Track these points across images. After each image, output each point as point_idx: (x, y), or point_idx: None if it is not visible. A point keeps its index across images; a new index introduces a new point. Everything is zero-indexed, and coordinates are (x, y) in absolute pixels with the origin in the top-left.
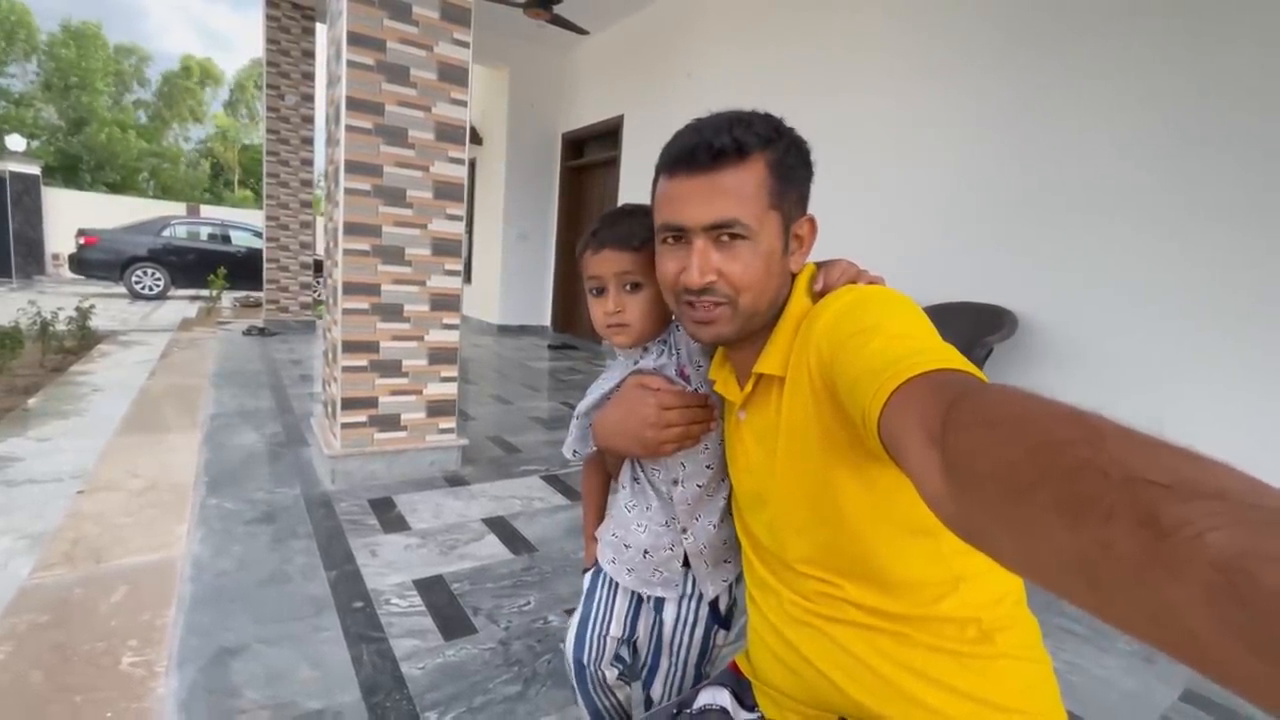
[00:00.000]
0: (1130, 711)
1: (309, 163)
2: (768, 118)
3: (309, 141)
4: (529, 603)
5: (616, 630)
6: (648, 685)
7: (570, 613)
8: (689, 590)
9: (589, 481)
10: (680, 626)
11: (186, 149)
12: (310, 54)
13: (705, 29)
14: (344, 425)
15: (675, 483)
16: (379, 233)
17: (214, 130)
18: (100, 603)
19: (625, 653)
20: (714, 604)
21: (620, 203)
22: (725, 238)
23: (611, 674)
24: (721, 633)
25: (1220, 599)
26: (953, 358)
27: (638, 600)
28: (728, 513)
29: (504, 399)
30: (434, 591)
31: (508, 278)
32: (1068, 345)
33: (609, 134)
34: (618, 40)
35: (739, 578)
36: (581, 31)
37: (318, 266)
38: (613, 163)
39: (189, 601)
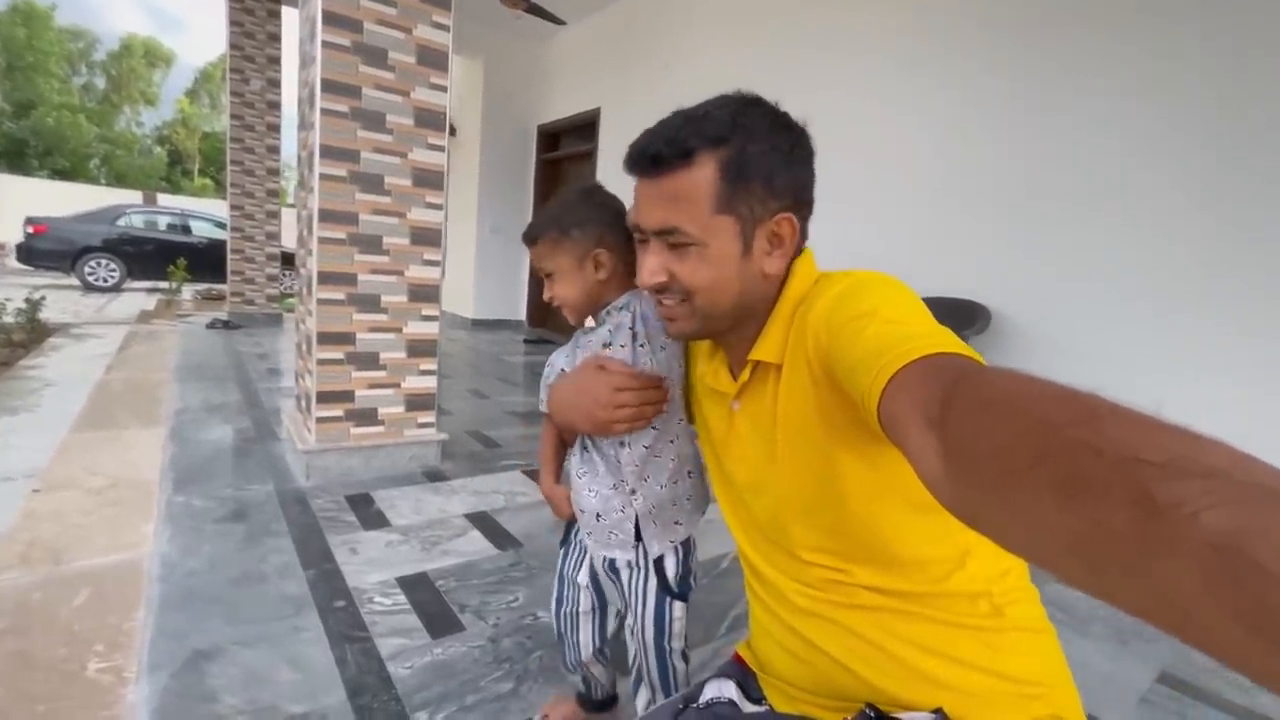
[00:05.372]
0: (1110, 694)
1: (275, 150)
2: (728, 111)
3: (275, 129)
4: (517, 599)
5: (587, 605)
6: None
7: None
8: (638, 560)
9: (546, 434)
10: (635, 597)
11: (140, 134)
12: (276, 37)
13: (685, 22)
14: (319, 420)
15: (622, 445)
16: (355, 220)
17: (171, 116)
18: (61, 607)
19: (607, 650)
20: (661, 572)
21: None
22: (673, 242)
23: (587, 651)
24: (678, 605)
25: (1215, 577)
26: (950, 342)
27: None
28: (678, 473)
29: (481, 393)
30: (418, 589)
31: (482, 271)
32: (1041, 339)
33: (586, 126)
34: (595, 32)
35: (689, 543)
36: (558, 22)
37: (285, 258)
38: (589, 155)
39: (158, 603)
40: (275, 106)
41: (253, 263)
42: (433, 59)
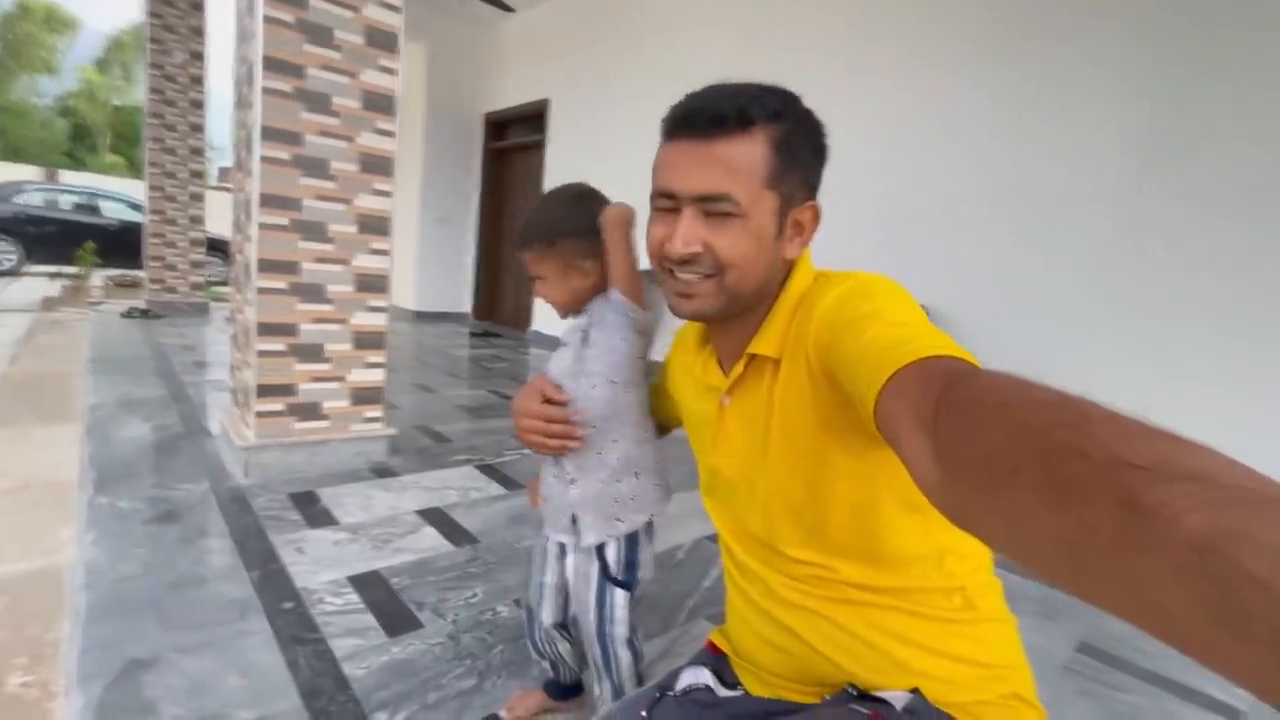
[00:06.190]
0: (1036, 664)
1: (199, 128)
2: (779, 93)
3: (199, 105)
4: (476, 594)
5: (552, 578)
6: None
7: (517, 602)
8: (576, 544)
9: None
10: (578, 579)
11: (39, 105)
12: (199, 6)
13: (641, 14)
14: (259, 414)
15: None
16: (299, 206)
17: (76, 86)
18: None
19: (571, 628)
20: (602, 558)
21: (546, 187)
22: (714, 211)
23: (548, 623)
24: (620, 593)
25: (1195, 578)
26: (948, 345)
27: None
28: (621, 473)
29: (427, 387)
30: (372, 587)
31: (425, 262)
32: (977, 339)
33: (534, 117)
34: (544, 21)
35: (636, 537)
36: (506, 8)
37: (212, 244)
38: (539, 146)
39: (86, 612)
40: (199, 81)
41: (174, 247)
42: (382, 40)
